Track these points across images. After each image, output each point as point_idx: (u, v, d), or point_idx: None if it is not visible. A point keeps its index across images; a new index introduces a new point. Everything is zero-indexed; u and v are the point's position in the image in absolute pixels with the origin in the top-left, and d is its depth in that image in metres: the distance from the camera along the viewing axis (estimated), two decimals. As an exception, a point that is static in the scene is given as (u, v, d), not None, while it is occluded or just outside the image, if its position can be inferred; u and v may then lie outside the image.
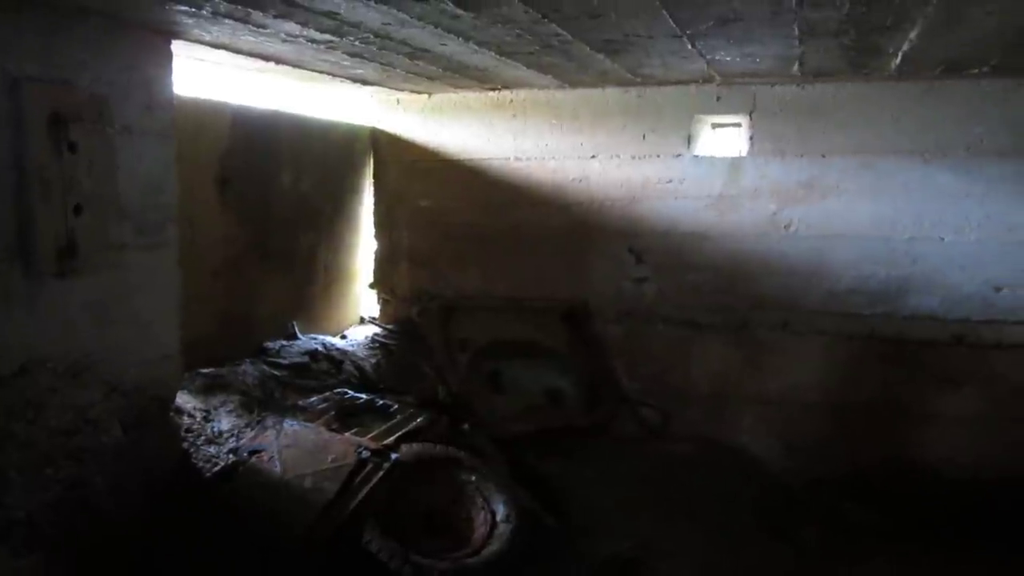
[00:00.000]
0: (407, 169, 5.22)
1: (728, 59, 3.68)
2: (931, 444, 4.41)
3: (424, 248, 5.22)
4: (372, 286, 5.31)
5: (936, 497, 4.27)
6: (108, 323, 2.72)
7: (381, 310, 5.30)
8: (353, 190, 5.12)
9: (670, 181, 4.74)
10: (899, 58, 3.53)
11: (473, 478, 3.21)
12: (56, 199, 2.47)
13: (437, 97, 5.07)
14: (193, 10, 2.62)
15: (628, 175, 4.80)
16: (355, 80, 4.42)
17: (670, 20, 2.87)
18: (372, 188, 5.30)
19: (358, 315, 5.23)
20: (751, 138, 4.57)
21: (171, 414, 3.06)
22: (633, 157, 4.79)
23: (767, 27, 3.00)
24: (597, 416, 4.36)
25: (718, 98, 4.59)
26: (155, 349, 2.93)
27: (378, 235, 5.30)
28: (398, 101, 5.16)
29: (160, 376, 2.95)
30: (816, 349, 4.63)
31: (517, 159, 4.97)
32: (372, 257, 5.31)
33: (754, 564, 3.79)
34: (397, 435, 3.21)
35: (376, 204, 5.30)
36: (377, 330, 4.95)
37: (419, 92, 4.98)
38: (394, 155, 5.24)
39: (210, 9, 2.62)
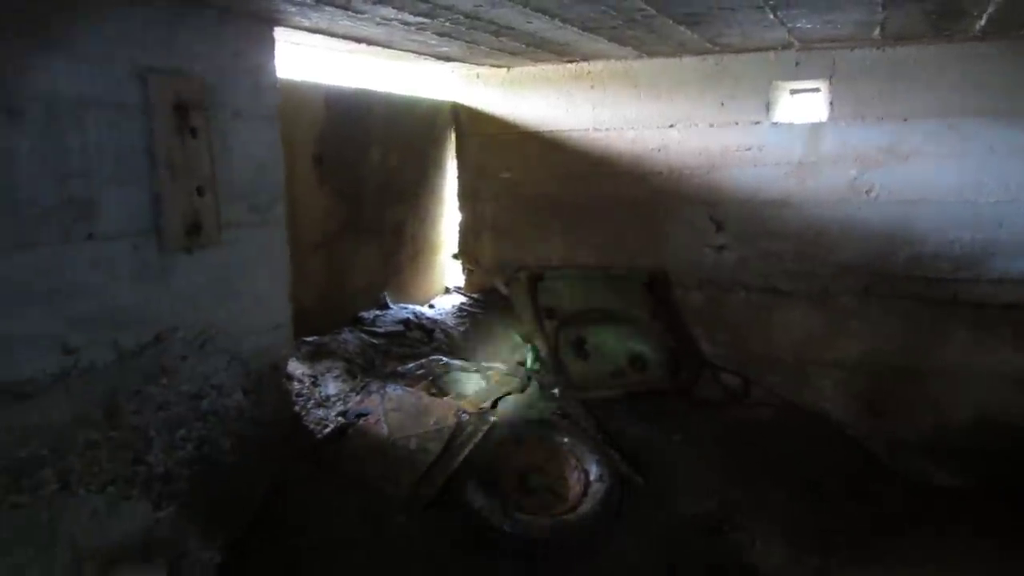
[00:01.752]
0: (488, 142, 5.35)
1: (808, 26, 3.70)
2: (1017, 407, 4.39)
3: (506, 219, 5.35)
4: (456, 257, 5.48)
5: (1022, 460, 4.26)
6: (228, 295, 2.93)
7: (465, 280, 5.47)
8: (437, 164, 5.27)
9: (749, 148, 4.76)
10: (984, 20, 3.50)
11: (566, 439, 3.36)
12: (182, 181, 2.68)
13: (516, 70, 5.16)
14: (299, 0, 2.78)
15: (706, 143, 4.84)
16: (438, 57, 4.55)
17: (755, -8, 2.92)
18: (455, 161, 5.45)
19: (443, 285, 5.41)
20: (831, 103, 4.56)
21: (283, 379, 3.27)
22: (711, 125, 4.82)
23: (852, -3, 3.03)
24: (680, 381, 4.46)
25: (797, 64, 4.58)
26: (269, 319, 3.14)
27: (461, 207, 5.46)
28: (478, 75, 5.27)
29: (273, 344, 3.16)
30: (898, 314, 4.63)
31: (596, 129, 5.05)
32: (456, 229, 5.47)
33: (838, 526, 3.86)
34: (493, 399, 3.37)
35: (459, 177, 5.45)
36: (463, 299, 5.12)
37: (499, 66, 5.09)
38: (475, 128, 5.37)
39: (314, -2, 2.77)
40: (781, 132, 4.68)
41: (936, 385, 4.56)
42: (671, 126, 4.90)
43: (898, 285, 4.58)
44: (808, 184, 4.66)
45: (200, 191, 2.76)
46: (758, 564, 3.49)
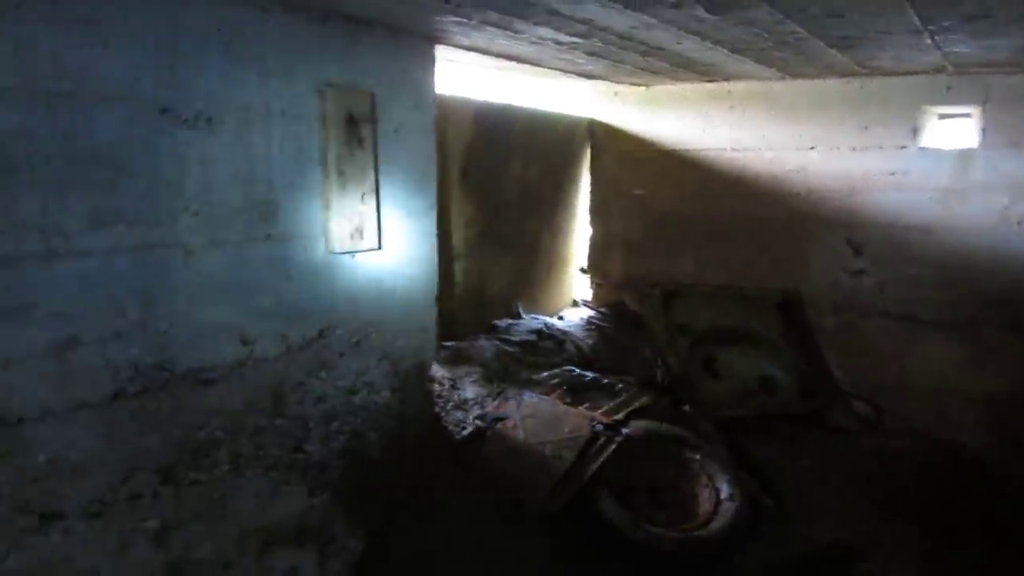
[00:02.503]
0: (622, 158, 5.42)
1: (966, 50, 3.61)
2: None
3: (637, 235, 5.40)
4: (585, 271, 5.56)
5: None
6: (383, 297, 3.10)
7: (594, 294, 5.55)
8: (571, 179, 5.38)
9: (893, 173, 4.66)
10: None
11: (698, 456, 3.38)
12: (349, 188, 2.86)
13: (655, 89, 5.22)
14: (464, 20, 2.93)
15: (848, 166, 4.77)
16: (581, 74, 4.65)
17: (915, 18, 2.89)
18: (588, 177, 5.54)
19: (572, 298, 5.50)
20: (983, 129, 4.42)
21: (427, 380, 3.43)
22: (853, 148, 4.75)
23: (1017, 23, 2.95)
24: (811, 406, 4.40)
25: (948, 88, 4.47)
26: (416, 321, 3.30)
27: (593, 222, 5.54)
28: (616, 93, 5.35)
29: (420, 346, 3.32)
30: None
31: (734, 149, 5.05)
32: (586, 243, 5.56)
33: (972, 565, 3.73)
34: (625, 412, 3.42)
35: (592, 192, 5.54)
36: (591, 313, 5.19)
37: (638, 84, 5.15)
38: (610, 145, 5.45)
39: (479, 19, 2.91)
40: (928, 157, 4.57)
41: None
42: (811, 148, 4.85)
43: (1049, 321, 4.39)
44: (955, 211, 4.53)
45: (364, 198, 2.94)
46: (889, 599, 3.41)
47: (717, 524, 3.14)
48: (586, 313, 5.21)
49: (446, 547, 3.08)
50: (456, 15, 2.84)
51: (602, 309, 5.25)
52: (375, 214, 2.99)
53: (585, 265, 5.56)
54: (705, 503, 3.25)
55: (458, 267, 4.16)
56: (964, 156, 4.48)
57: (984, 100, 4.39)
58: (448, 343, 3.90)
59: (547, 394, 3.56)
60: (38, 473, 2.08)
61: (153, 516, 2.36)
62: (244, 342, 2.56)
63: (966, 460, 4.59)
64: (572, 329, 4.75)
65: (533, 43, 3.45)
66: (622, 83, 5.13)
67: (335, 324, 2.89)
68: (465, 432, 3.36)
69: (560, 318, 5.03)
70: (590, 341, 4.68)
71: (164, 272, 2.30)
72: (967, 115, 4.54)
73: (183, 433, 2.42)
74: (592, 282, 5.56)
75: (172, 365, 2.36)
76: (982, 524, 4.08)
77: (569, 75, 4.65)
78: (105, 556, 2.26)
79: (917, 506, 4.01)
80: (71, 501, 2.16)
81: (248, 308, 2.56)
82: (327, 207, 2.80)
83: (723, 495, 3.25)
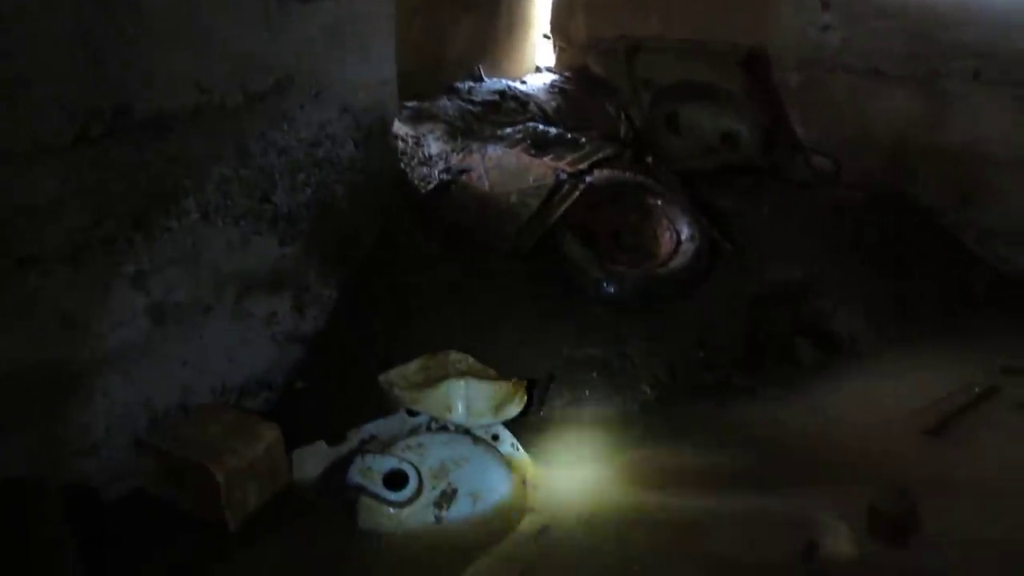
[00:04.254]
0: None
1: None
2: None
3: (602, -6, 5.21)
4: (548, 36, 5.42)
5: None
6: (340, 47, 3.02)
7: (556, 59, 5.43)
8: (532, -65, 5.12)
9: (864, -83, 4.47)
10: None
11: (659, 202, 3.46)
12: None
13: None
14: None
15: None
16: None
17: None
18: (550, -67, 5.27)
19: (534, 63, 5.39)
20: None
21: (391, 135, 3.42)
22: None
23: None
24: (772, 160, 4.46)
25: None
26: (376, 74, 3.24)
27: (555, -18, 5.33)
28: None
29: (381, 99, 3.28)
30: (1007, 101, 4.46)
31: None
32: (549, 5, 5.37)
33: (919, 302, 3.95)
34: (589, 162, 3.46)
35: (554, -50, 5.29)
36: (554, 77, 5.11)
37: None
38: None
39: None
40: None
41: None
42: None
43: (1013, 70, 4.38)
44: (923, -44, 4.39)
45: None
46: (838, 330, 3.64)
47: (677, 263, 3.27)
48: (549, 78, 5.12)
49: (419, 294, 3.21)
50: None
51: (566, 73, 5.16)
52: (326, -42, 2.86)
53: (548, 29, 5.40)
54: (666, 244, 3.37)
55: (416, 25, 4.04)
56: None
57: None
58: (409, 103, 3.86)
59: (511, 148, 3.58)
60: (9, 215, 2.11)
61: (128, 262, 2.43)
62: (201, 89, 2.52)
63: (919, 210, 4.75)
64: (535, 92, 4.70)
65: None
66: None
67: (292, 75, 2.84)
68: (431, 186, 3.40)
69: (523, 82, 4.95)
70: (554, 103, 4.64)
71: (108, 11, 2.22)
72: None
73: (149, 181, 2.43)
74: (555, 46, 5.42)
75: (130, 110, 2.33)
76: (930, 266, 4.29)
77: None
78: (88, 298, 2.35)
79: (869, 251, 4.19)
80: (45, 245, 2.21)
81: (202, 54, 2.50)
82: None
83: (683, 237, 3.37)
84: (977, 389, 3.15)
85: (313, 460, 2.61)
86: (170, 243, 2.53)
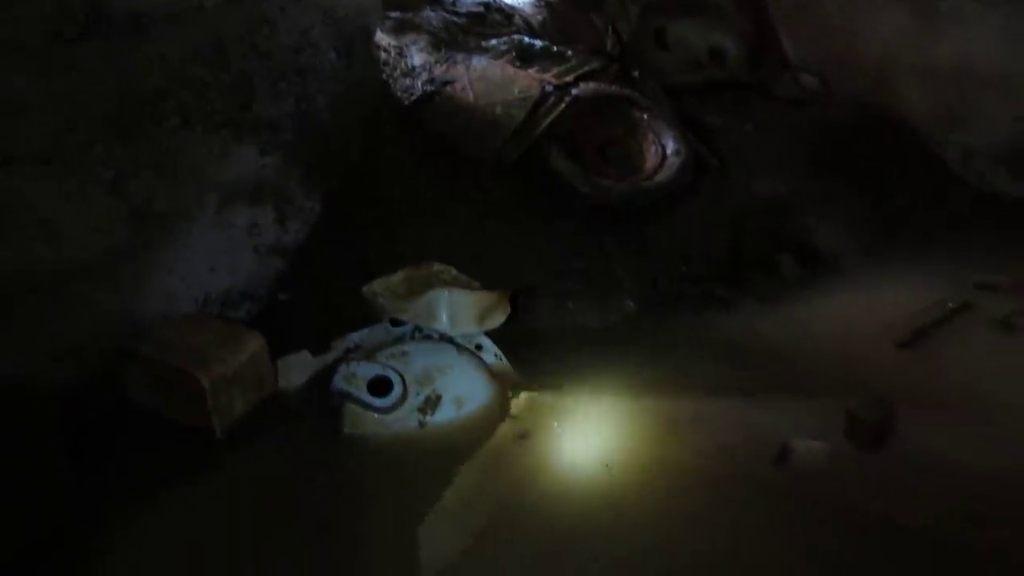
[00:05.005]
0: None
1: None
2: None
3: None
4: (534, -54, 5.27)
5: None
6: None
7: (542, -29, 5.29)
8: None
9: None
10: None
11: (646, 116, 3.44)
12: None
13: None
14: None
15: None
16: None
17: None
18: None
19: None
20: None
21: (373, 45, 3.35)
22: None
23: None
24: (759, 76, 4.42)
25: None
26: (358, -21, 3.16)
27: None
28: None
29: (363, 5, 3.20)
30: (999, 17, 4.41)
31: None
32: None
33: (902, 221, 3.97)
34: (575, 75, 3.42)
35: None
36: (541, -9, 4.99)
37: None
38: None
39: None
40: None
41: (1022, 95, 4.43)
42: None
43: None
44: None
45: None
46: (819, 245, 3.66)
47: (662, 176, 3.27)
48: (535, -8, 5.00)
49: (402, 206, 3.20)
50: None
51: (552, -13, 5.04)
52: None
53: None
54: (652, 158, 3.36)
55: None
56: None
57: None
58: (392, 14, 3.77)
59: (496, 59, 3.52)
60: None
61: (106, 167, 2.39)
62: (178, -12, 2.46)
63: (904, 131, 4.73)
64: (521, 5, 4.59)
65: None
66: None
67: (271, -26, 2.77)
68: (414, 97, 3.35)
69: (507, -4, 4.84)
70: (540, 17, 4.53)
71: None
72: None
73: (126, 84, 2.38)
74: (542, -42, 5.28)
75: (105, 10, 2.27)
76: (913, 186, 4.30)
77: None
78: (66, 203, 2.32)
79: (855, 170, 4.19)
80: (18, 145, 2.17)
81: (177, -50, 2.43)
82: None
83: (669, 151, 3.36)
84: (951, 304, 3.19)
85: (298, 369, 2.63)
86: (149, 149, 2.49)
